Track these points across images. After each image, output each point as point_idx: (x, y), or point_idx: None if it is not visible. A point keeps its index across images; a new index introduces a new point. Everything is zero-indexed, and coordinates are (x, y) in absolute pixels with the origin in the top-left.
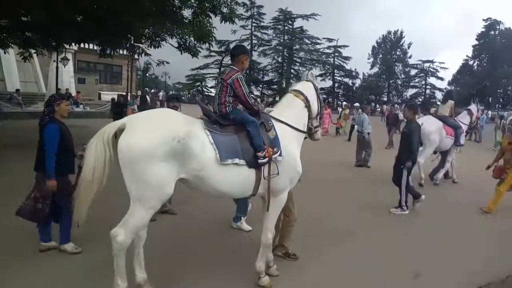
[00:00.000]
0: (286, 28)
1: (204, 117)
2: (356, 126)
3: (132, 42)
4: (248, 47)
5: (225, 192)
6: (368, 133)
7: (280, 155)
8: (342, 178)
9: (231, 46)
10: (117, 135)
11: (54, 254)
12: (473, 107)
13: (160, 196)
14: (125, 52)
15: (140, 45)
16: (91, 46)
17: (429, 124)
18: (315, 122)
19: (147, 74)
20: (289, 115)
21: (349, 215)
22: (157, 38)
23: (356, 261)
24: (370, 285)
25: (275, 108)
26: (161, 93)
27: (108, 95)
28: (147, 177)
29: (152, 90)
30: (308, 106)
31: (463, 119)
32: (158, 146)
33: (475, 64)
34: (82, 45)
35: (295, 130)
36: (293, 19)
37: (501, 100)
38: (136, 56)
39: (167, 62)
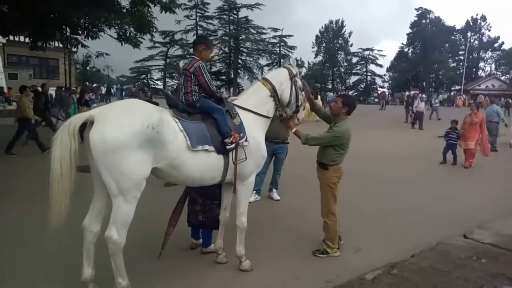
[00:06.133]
0: (231, 18)
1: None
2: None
3: (68, 33)
4: (194, 38)
5: (197, 180)
6: (498, 122)
7: (246, 140)
8: None
9: (176, 37)
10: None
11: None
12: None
13: (140, 187)
14: (60, 44)
15: (76, 36)
16: (21, 38)
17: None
18: (288, 110)
19: (87, 68)
20: (253, 103)
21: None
22: (94, 29)
23: None
24: None
25: (240, 95)
26: (103, 88)
27: None
28: (125, 168)
29: (94, 85)
30: (274, 95)
31: None
32: (133, 136)
33: (409, 51)
34: (11, 37)
35: (258, 115)
36: (237, 9)
37: (433, 84)
38: (73, 49)
39: (107, 54)
